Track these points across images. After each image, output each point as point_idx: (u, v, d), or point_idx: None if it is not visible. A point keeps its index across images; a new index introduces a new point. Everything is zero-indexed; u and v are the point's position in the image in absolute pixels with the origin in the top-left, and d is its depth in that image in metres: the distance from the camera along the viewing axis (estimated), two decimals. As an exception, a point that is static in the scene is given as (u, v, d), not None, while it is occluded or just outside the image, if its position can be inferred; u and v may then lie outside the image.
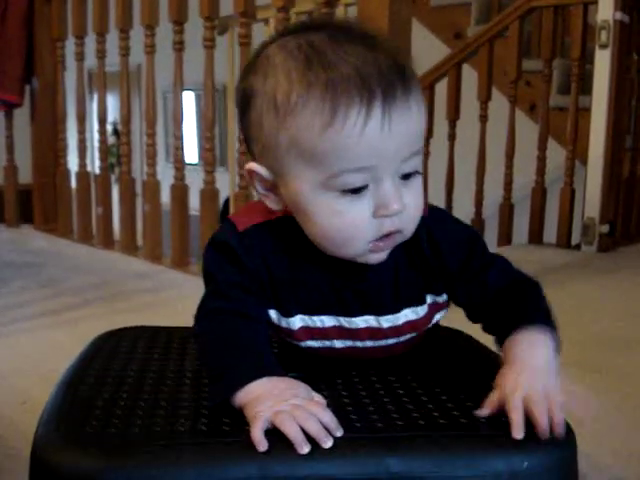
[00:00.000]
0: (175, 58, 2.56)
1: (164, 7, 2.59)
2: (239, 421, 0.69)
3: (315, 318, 0.83)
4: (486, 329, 0.84)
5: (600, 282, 2.53)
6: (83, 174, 3.08)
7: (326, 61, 0.72)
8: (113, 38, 2.85)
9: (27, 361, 1.64)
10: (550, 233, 3.15)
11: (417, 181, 0.77)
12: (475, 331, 0.89)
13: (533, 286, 0.84)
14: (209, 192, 2.54)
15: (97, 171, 3.03)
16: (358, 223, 0.74)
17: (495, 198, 3.29)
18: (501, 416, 0.69)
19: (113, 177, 3.17)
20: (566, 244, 3.08)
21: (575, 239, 3.10)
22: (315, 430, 0.65)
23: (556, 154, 3.30)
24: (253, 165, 0.78)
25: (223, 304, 0.80)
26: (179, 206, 2.64)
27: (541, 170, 3.15)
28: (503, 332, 0.78)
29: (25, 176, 3.35)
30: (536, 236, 3.16)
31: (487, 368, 0.78)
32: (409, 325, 0.84)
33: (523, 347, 0.75)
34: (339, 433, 0.66)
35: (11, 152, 3.28)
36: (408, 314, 0.83)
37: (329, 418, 0.67)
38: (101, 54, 2.87)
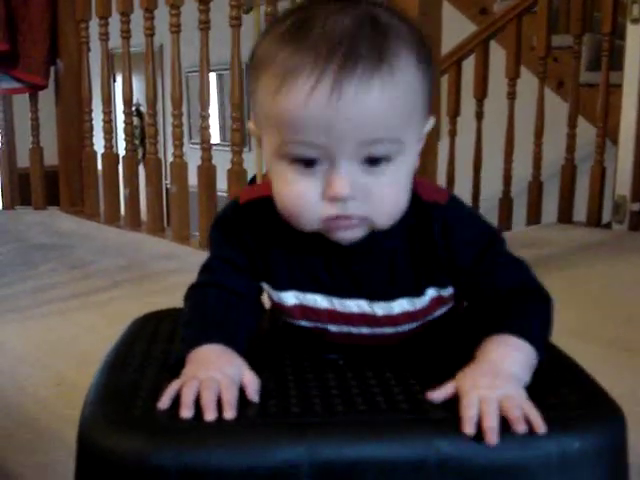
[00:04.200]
0: (201, 37, 2.54)
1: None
2: (286, 402, 0.68)
3: (309, 296, 0.81)
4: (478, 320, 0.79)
5: (631, 260, 2.50)
6: (109, 155, 3.08)
7: (302, 26, 0.69)
8: (133, 19, 2.85)
9: (60, 343, 1.65)
10: (580, 211, 3.12)
11: (389, 169, 0.71)
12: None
13: (540, 300, 0.78)
14: (237, 172, 2.54)
15: (122, 152, 3.03)
16: (306, 199, 0.71)
17: (524, 176, 3.25)
18: (549, 397, 0.68)
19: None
20: (596, 223, 3.05)
21: (605, 218, 3.06)
22: (204, 400, 0.65)
23: (584, 131, 3.26)
24: (250, 124, 0.78)
25: (206, 278, 0.83)
26: (207, 187, 2.63)
27: (571, 148, 3.11)
28: (487, 331, 0.73)
29: (51, 158, 3.36)
30: (566, 215, 3.13)
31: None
32: (406, 316, 0.81)
33: (494, 348, 0.71)
34: (229, 415, 0.65)
35: (37, 134, 3.28)
36: (404, 304, 0.80)
37: (227, 397, 0.66)
38: (126, 34, 2.85)
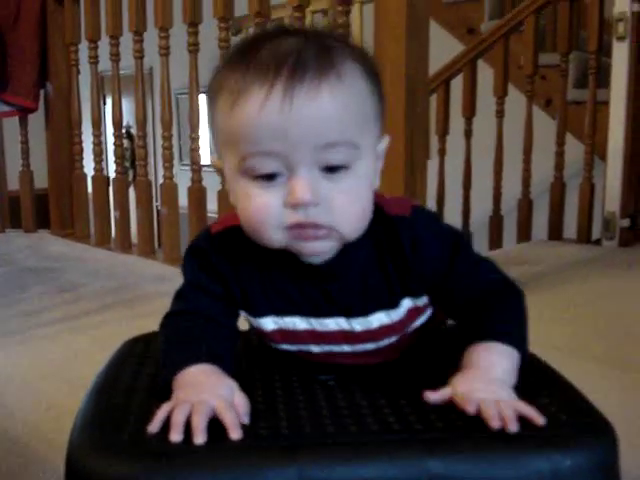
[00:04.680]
0: (190, 60, 2.55)
1: (177, 8, 2.58)
2: (276, 424, 0.68)
3: (287, 319, 0.82)
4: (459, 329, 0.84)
5: (622, 277, 2.50)
6: (100, 178, 3.07)
7: (250, 51, 0.73)
8: (123, 42, 2.85)
9: (50, 366, 1.63)
10: (570, 228, 3.13)
11: (349, 176, 0.73)
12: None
13: (513, 296, 0.81)
14: (227, 193, 2.53)
15: (112, 175, 3.03)
16: (268, 209, 0.72)
17: (513, 194, 3.26)
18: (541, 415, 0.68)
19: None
20: (586, 239, 3.05)
21: (595, 234, 3.07)
22: (194, 424, 0.65)
23: (572, 148, 3.27)
24: (212, 158, 0.80)
25: (182, 306, 0.83)
26: (197, 208, 2.63)
27: (560, 165, 3.12)
28: (471, 338, 0.77)
29: (41, 181, 3.35)
30: (556, 232, 3.14)
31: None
32: (384, 329, 0.82)
33: (482, 355, 0.74)
34: (235, 436, 0.65)
35: (27, 157, 3.28)
36: (381, 317, 0.81)
37: (229, 420, 0.66)
38: (115, 57, 2.86)
